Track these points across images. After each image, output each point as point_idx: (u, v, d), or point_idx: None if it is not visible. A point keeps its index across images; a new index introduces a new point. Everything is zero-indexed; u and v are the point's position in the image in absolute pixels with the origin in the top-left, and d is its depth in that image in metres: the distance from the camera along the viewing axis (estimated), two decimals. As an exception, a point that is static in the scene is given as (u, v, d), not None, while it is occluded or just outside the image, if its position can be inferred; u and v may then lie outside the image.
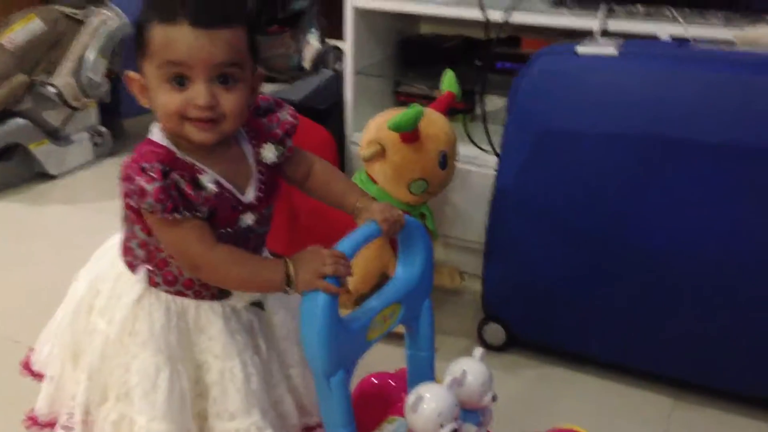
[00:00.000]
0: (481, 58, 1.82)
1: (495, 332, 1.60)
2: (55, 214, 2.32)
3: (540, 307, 1.53)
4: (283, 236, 1.65)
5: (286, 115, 1.07)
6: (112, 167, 2.66)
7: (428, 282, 1.20)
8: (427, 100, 1.77)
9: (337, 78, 1.98)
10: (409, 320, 1.19)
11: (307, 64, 3.32)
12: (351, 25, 1.84)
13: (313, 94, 2.01)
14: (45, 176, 2.51)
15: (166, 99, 0.92)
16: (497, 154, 1.50)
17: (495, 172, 1.51)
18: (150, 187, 0.91)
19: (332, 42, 3.53)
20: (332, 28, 3.67)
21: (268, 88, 2.91)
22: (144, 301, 1.04)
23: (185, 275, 1.03)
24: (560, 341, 1.55)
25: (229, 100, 0.92)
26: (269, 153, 1.04)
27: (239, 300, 1.07)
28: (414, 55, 2.02)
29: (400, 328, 1.23)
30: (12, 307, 1.79)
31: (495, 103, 1.85)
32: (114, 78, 2.68)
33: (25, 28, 2.60)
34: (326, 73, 2.45)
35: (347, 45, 1.86)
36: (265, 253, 1.14)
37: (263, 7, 3.01)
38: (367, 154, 1.55)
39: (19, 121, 2.39)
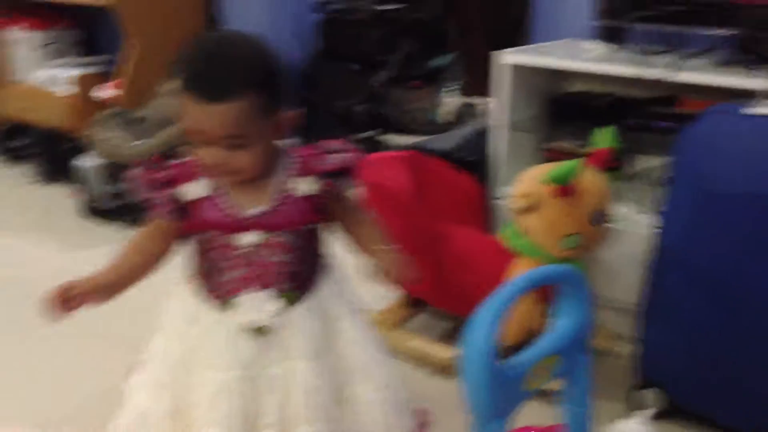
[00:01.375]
0: (635, 117, 1.82)
1: (650, 398, 1.54)
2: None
3: (701, 374, 1.46)
4: (428, 284, 1.68)
5: (342, 156, 1.14)
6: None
7: (587, 335, 1.19)
8: (574, 157, 1.77)
9: (485, 131, 2.01)
10: (567, 374, 1.18)
11: (444, 118, 3.40)
12: (500, 80, 1.87)
13: (464, 145, 2.05)
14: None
15: (198, 151, 1.06)
16: (657, 213, 1.48)
17: (650, 232, 1.48)
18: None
19: (472, 99, 3.61)
20: (473, 84, 3.74)
21: (403, 140, 3.00)
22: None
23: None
24: (720, 413, 1.47)
25: (239, 159, 1.05)
26: (304, 185, 1.12)
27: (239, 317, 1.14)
28: (563, 111, 2.03)
29: (554, 385, 1.22)
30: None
31: (645, 162, 1.83)
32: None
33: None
34: (476, 126, 2.49)
35: (499, 100, 1.89)
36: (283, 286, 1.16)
37: (405, 63, 3.12)
38: (519, 207, 1.56)
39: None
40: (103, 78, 2.97)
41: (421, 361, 1.73)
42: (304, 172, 1.12)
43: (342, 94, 3.02)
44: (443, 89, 3.41)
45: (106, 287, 1.10)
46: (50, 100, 2.93)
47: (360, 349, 1.21)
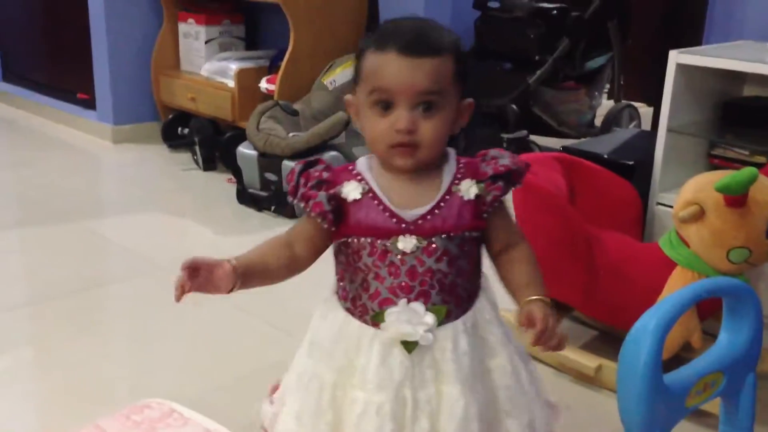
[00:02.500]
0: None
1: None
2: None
3: None
4: (579, 290, 1.63)
5: (506, 160, 1.04)
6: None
7: (755, 353, 1.11)
8: (743, 165, 1.65)
9: (647, 135, 1.92)
10: (730, 393, 1.11)
11: (599, 121, 3.29)
12: (670, 81, 1.78)
13: (621, 148, 1.97)
14: (346, 206, 2.73)
15: (372, 124, 0.98)
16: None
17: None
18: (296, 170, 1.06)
19: (630, 101, 3.47)
20: (631, 86, 3.61)
21: (552, 142, 2.93)
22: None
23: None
24: None
25: (428, 128, 0.96)
26: (468, 187, 1.02)
27: (385, 331, 1.00)
28: (734, 117, 1.90)
29: (711, 407, 1.15)
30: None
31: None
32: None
33: (345, 71, 2.89)
34: (634, 129, 2.40)
35: (664, 101, 1.80)
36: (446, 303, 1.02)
37: (561, 63, 3.05)
38: (684, 215, 1.48)
39: (333, 153, 2.63)
40: (266, 71, 3.11)
41: (563, 367, 1.68)
42: (470, 174, 1.03)
43: (493, 93, 2.99)
44: (600, 90, 3.30)
45: (235, 276, 1.00)
46: (216, 91, 3.10)
47: (514, 383, 1.06)
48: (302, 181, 1.02)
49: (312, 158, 1.06)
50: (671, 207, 1.59)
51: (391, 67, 0.95)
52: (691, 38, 2.52)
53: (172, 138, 3.36)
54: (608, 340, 1.76)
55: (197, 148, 3.16)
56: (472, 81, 3.16)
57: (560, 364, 1.68)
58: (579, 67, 3.16)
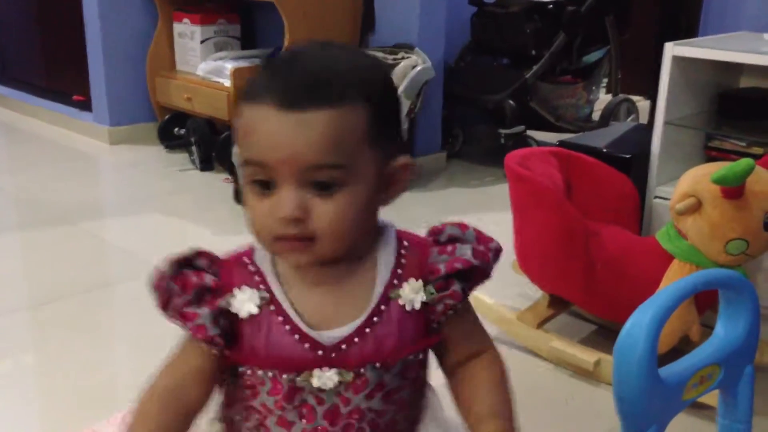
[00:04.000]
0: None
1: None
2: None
3: None
4: (577, 286, 1.62)
5: (467, 251, 0.76)
6: (402, 200, 2.80)
7: (753, 345, 1.10)
8: (740, 156, 1.64)
9: (644, 128, 1.92)
10: (727, 386, 1.10)
11: (596, 115, 3.29)
12: (666, 74, 1.78)
13: (618, 142, 1.96)
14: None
15: (251, 206, 0.70)
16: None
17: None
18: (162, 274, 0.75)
19: (627, 95, 3.47)
20: (628, 80, 3.60)
21: (550, 137, 2.92)
22: None
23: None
24: None
25: (326, 214, 0.67)
26: (410, 293, 0.74)
27: None
28: (731, 108, 1.89)
29: (710, 399, 1.14)
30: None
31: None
32: (413, 118, 2.85)
33: (341, 69, 2.88)
34: (631, 122, 2.40)
35: (660, 93, 1.79)
36: None
37: (558, 58, 3.04)
38: (680, 208, 1.47)
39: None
40: (260, 70, 3.10)
41: (562, 362, 1.67)
42: (415, 269, 0.75)
43: (490, 89, 2.98)
44: (597, 85, 3.30)
45: None
46: (212, 91, 3.10)
47: None
48: (175, 289, 0.73)
49: (189, 251, 0.75)
50: (668, 200, 1.59)
51: (264, 129, 0.66)
52: (688, 31, 2.51)
53: (168, 138, 3.35)
54: (607, 335, 1.76)
55: (194, 148, 3.15)
56: (470, 76, 3.17)
57: (559, 359, 1.67)
58: (576, 61, 3.16)
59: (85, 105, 3.62)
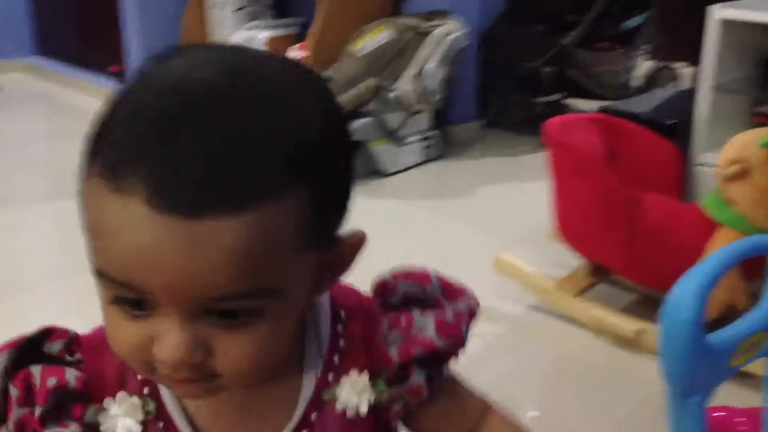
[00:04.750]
0: None
1: None
2: (385, 207, 2.49)
3: None
4: (619, 254, 1.59)
5: (428, 324, 0.54)
6: (437, 170, 2.80)
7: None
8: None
9: (687, 94, 1.87)
10: (777, 354, 1.08)
11: (636, 82, 3.21)
12: (712, 37, 1.72)
13: (661, 107, 1.92)
14: (378, 173, 2.71)
15: (114, 326, 0.47)
16: None
17: None
18: None
19: (668, 62, 3.39)
20: (669, 46, 3.51)
21: (588, 105, 2.87)
22: None
23: None
24: None
25: (234, 352, 0.45)
26: (352, 392, 0.53)
27: None
28: (779, 72, 1.84)
29: (756, 368, 1.12)
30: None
31: None
32: (449, 85, 2.81)
33: (376, 38, 2.85)
34: (675, 87, 2.35)
35: (705, 58, 1.74)
36: None
37: (596, 23, 2.97)
38: (727, 173, 1.43)
39: (366, 120, 2.61)
40: (295, 39, 3.08)
41: (602, 331, 1.65)
42: (361, 356, 0.54)
43: (526, 56, 2.93)
44: (637, 51, 3.22)
45: None
46: (245, 60, 3.09)
47: None
48: (18, 395, 0.50)
49: (35, 331, 0.52)
50: (713, 167, 1.55)
51: (133, 238, 0.42)
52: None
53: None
54: (648, 304, 1.73)
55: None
56: (506, 44, 3.13)
57: (599, 327, 1.65)
58: (615, 27, 3.08)
59: (120, 76, 3.65)
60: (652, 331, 1.53)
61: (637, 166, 1.72)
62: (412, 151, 2.78)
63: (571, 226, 1.68)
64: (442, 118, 2.91)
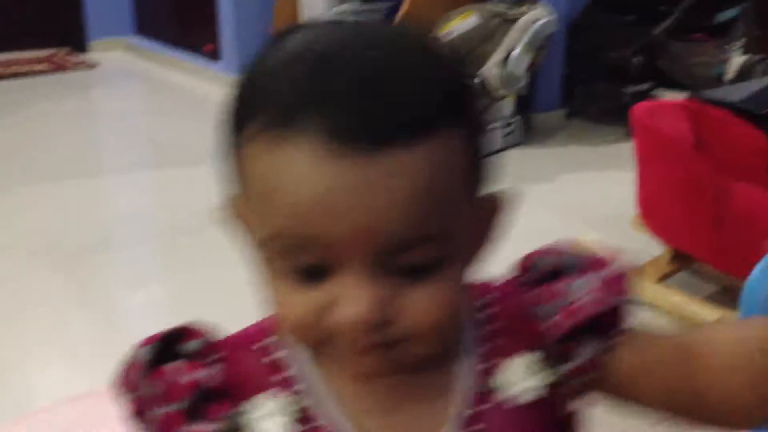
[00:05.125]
0: None
1: None
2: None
3: None
4: (704, 241, 1.58)
5: (581, 287, 0.48)
6: (517, 157, 2.80)
7: None
8: None
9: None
10: None
11: (729, 75, 3.13)
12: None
13: (753, 97, 1.88)
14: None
15: (283, 299, 0.43)
16: None
17: None
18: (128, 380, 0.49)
19: (762, 55, 3.28)
20: (764, 39, 3.40)
21: (677, 97, 2.81)
22: None
23: None
24: None
25: (422, 310, 0.42)
26: (522, 375, 0.48)
27: None
28: None
29: None
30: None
31: None
32: (534, 72, 2.81)
33: (462, 23, 2.87)
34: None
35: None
36: None
37: (689, 14, 2.91)
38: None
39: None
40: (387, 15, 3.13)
41: (682, 318, 1.64)
42: (518, 338, 0.49)
43: (615, 45, 2.89)
44: (730, 44, 3.13)
45: None
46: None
47: None
48: (156, 392, 0.47)
49: (172, 328, 0.49)
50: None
51: (310, 184, 0.39)
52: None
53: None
54: (730, 294, 1.71)
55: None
56: (593, 33, 3.09)
57: (679, 314, 1.64)
58: (708, 18, 3.01)
59: (215, 55, 3.78)
60: (733, 320, 1.52)
61: (725, 154, 1.69)
62: (493, 137, 2.79)
63: (656, 212, 1.67)
64: (524, 106, 2.91)
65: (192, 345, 0.49)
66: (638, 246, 1.87)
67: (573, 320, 0.47)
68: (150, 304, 1.81)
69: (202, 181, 2.62)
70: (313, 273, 0.41)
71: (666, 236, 1.68)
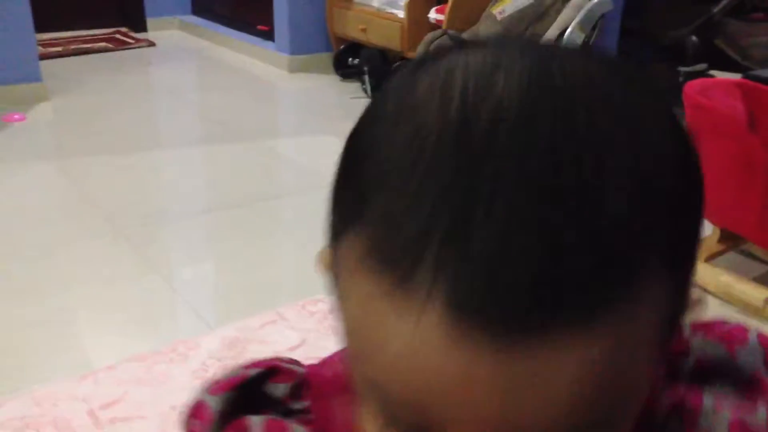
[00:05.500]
0: None
1: None
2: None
3: None
4: (754, 221, 1.56)
5: (760, 415, 0.36)
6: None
7: None
8: None
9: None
10: None
11: (791, 57, 3.05)
12: None
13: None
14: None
15: None
16: None
17: None
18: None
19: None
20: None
21: (732, 76, 2.74)
22: None
23: None
24: None
25: None
26: None
27: None
28: None
29: None
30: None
31: None
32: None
33: (515, 1, 2.85)
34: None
35: None
36: None
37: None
38: None
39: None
40: (435, 1, 3.13)
41: (730, 298, 1.62)
42: None
43: (672, 24, 2.84)
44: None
45: None
46: (386, 22, 3.17)
47: None
48: None
49: (254, 368, 0.42)
50: None
51: (433, 367, 0.26)
52: None
53: (343, 67, 3.49)
54: (781, 275, 1.69)
55: (366, 77, 3.26)
56: (650, 11, 3.04)
57: (727, 294, 1.63)
58: (771, -3, 2.93)
59: (268, 35, 3.83)
60: (783, 300, 1.50)
61: (780, 133, 1.66)
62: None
63: (706, 191, 1.65)
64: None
65: (279, 389, 0.41)
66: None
67: None
68: (205, 273, 1.88)
69: (250, 157, 2.69)
70: None
71: (715, 215, 1.66)
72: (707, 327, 0.39)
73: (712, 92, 1.65)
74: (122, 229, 2.02)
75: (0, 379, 1.39)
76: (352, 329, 0.29)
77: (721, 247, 1.71)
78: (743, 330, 0.38)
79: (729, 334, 0.38)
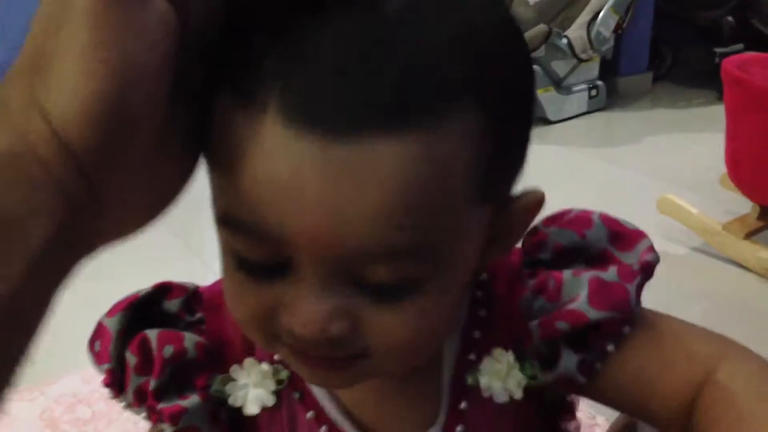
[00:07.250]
0: None
1: None
2: (549, 152, 2.51)
3: None
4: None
5: (581, 291, 0.41)
6: (601, 120, 2.77)
7: None
8: None
9: None
10: None
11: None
12: None
13: None
14: (543, 120, 2.72)
15: (232, 289, 0.37)
16: None
17: None
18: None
19: None
20: None
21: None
22: None
23: None
24: None
25: (387, 331, 0.34)
26: (493, 377, 0.42)
27: None
28: None
29: None
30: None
31: None
32: (620, 34, 2.77)
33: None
34: None
35: None
36: None
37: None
38: None
39: (533, 68, 2.63)
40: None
41: (769, 275, 1.62)
42: (503, 335, 0.43)
43: (707, 4, 2.81)
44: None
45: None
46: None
47: None
48: (134, 361, 0.44)
49: (152, 287, 0.46)
50: None
51: (271, 168, 0.31)
52: None
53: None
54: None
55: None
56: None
57: (766, 270, 1.62)
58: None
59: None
60: (825, 275, 1.49)
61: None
62: (578, 99, 2.77)
63: (744, 168, 1.64)
64: (610, 69, 2.87)
65: (173, 305, 0.45)
66: (725, 207, 1.84)
67: (550, 332, 0.41)
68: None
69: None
70: (267, 274, 0.34)
71: (754, 192, 1.65)
72: (556, 218, 0.44)
73: (751, 67, 1.63)
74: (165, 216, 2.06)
75: (54, 359, 1.43)
76: (215, 164, 0.34)
77: (760, 224, 1.69)
78: (588, 214, 0.44)
79: (577, 219, 0.43)
